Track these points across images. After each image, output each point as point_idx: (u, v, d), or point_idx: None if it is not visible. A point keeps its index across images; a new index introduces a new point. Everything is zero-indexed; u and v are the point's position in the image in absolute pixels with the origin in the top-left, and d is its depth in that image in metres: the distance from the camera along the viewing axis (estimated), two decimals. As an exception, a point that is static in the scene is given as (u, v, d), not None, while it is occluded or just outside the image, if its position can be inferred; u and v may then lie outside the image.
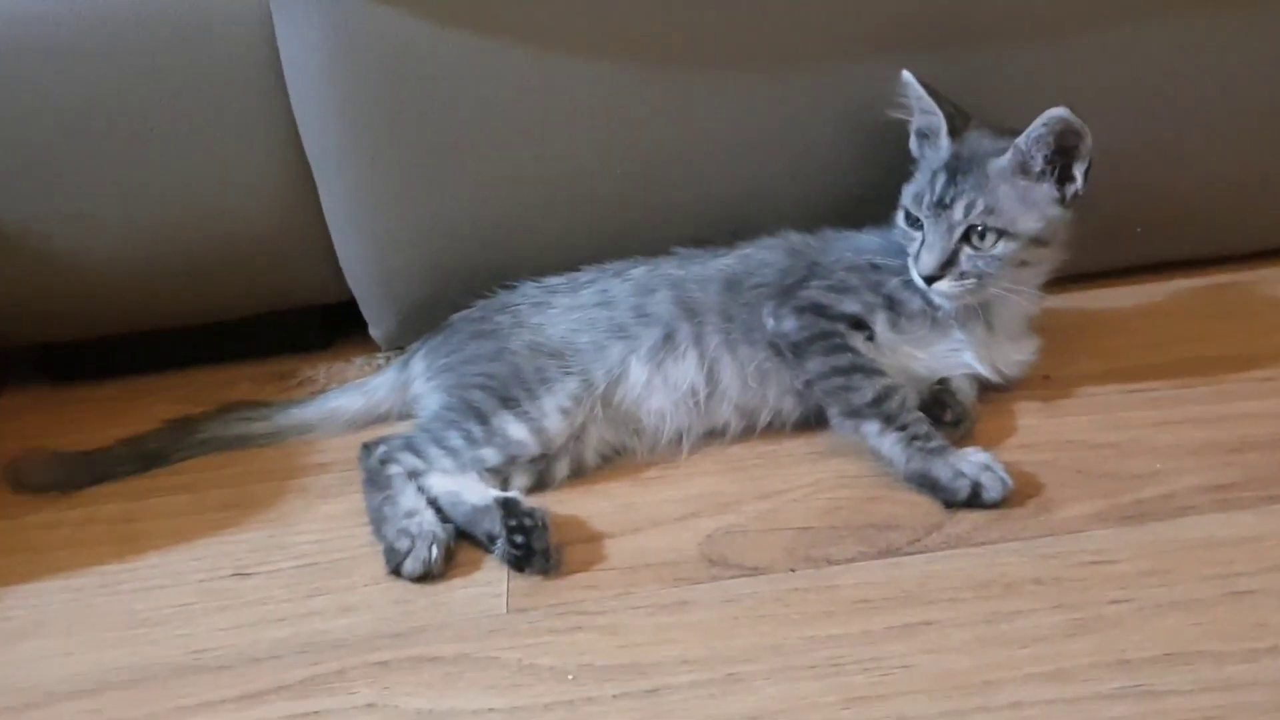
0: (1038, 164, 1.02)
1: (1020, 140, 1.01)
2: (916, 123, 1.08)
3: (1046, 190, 1.03)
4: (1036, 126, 1.00)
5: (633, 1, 1.07)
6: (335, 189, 1.14)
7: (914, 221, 1.05)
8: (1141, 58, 1.15)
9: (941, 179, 1.03)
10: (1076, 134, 1.00)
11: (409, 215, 1.15)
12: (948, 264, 1.02)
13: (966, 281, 1.02)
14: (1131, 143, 1.15)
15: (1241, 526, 0.92)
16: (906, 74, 1.05)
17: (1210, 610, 0.84)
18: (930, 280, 1.02)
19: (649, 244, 1.16)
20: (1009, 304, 1.07)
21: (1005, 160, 1.02)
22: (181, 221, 1.17)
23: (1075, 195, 1.03)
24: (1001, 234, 1.02)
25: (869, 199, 1.14)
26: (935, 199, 1.02)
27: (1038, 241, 1.03)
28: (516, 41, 1.07)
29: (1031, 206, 1.03)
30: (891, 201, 1.10)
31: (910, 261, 1.05)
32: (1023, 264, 1.04)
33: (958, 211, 1.02)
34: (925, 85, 1.05)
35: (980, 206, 1.01)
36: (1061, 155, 1.02)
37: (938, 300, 1.05)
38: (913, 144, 1.09)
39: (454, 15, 1.06)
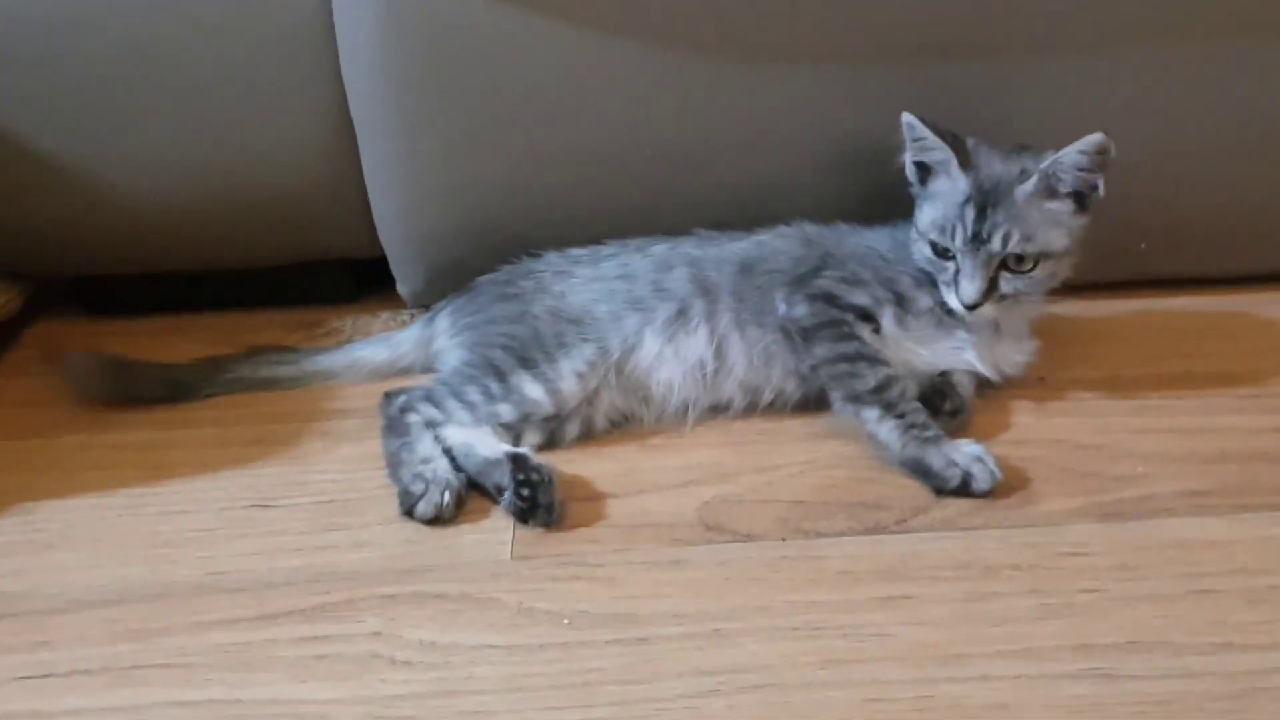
0: (1067, 185, 1.06)
1: (1048, 165, 1.04)
2: (914, 156, 1.10)
3: (1068, 205, 1.07)
4: (1071, 152, 1.03)
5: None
6: (376, 151, 1.19)
7: (943, 252, 1.08)
8: (1151, 78, 1.18)
9: (971, 213, 1.05)
10: (1106, 153, 1.04)
11: (445, 181, 1.20)
12: (989, 291, 1.06)
13: (1006, 302, 1.07)
14: (1139, 162, 1.18)
15: (1212, 531, 0.96)
16: (908, 116, 1.08)
17: (1175, 605, 0.89)
18: (972, 308, 1.07)
19: (672, 225, 1.21)
20: (1018, 307, 1.11)
21: (1031, 185, 1.05)
22: (226, 169, 1.22)
23: (1095, 202, 1.07)
24: (1040, 257, 1.06)
25: (884, 196, 1.19)
26: (970, 235, 1.05)
27: (1067, 253, 1.08)
28: (561, 21, 1.12)
29: (1058, 225, 1.07)
30: (903, 201, 1.15)
31: (946, 290, 1.08)
32: (1052, 275, 1.09)
33: (995, 243, 1.04)
34: (927, 124, 1.07)
35: (1017, 236, 1.04)
36: (1090, 173, 1.06)
37: (971, 319, 1.09)
38: (910, 174, 1.12)
39: (501, -9, 1.11)
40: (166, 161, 1.22)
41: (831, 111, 1.19)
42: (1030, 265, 1.06)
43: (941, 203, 1.08)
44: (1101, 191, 1.06)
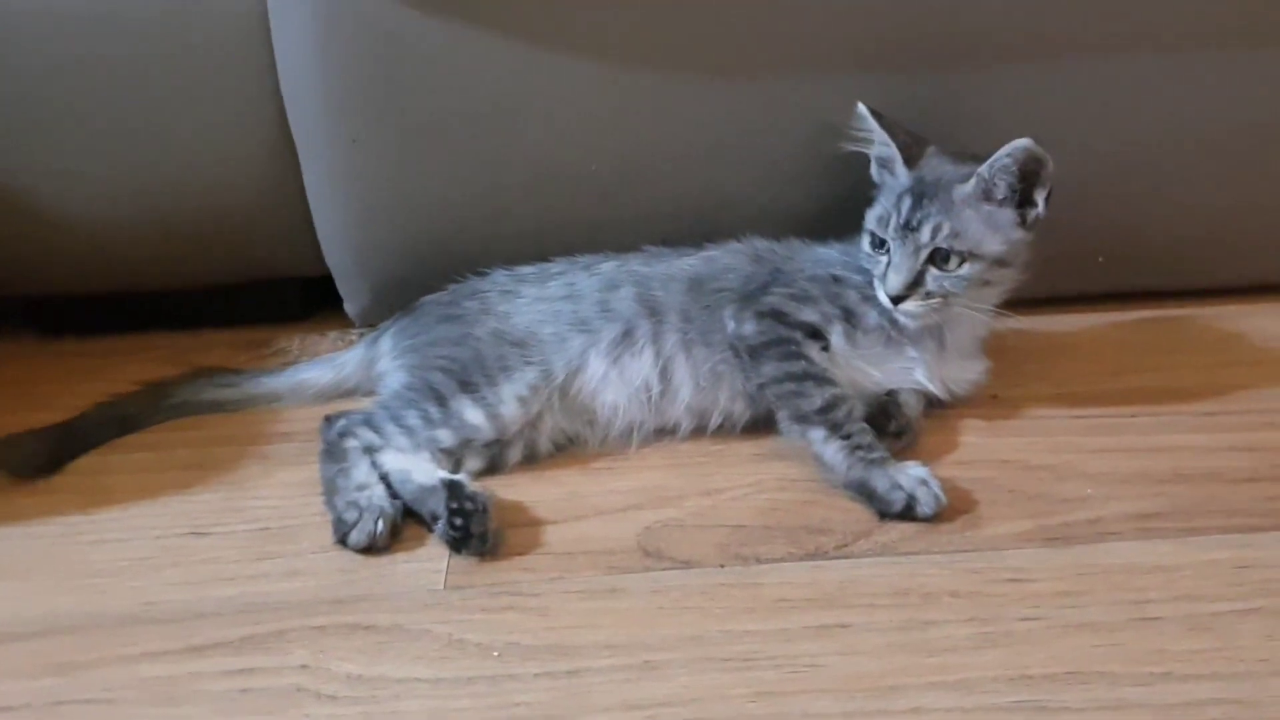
0: (1001, 190, 1.05)
1: (984, 168, 1.04)
2: (876, 151, 1.11)
3: (1009, 214, 1.06)
4: (1001, 156, 1.03)
5: (614, 3, 1.10)
6: (317, 167, 1.18)
7: (879, 244, 1.08)
8: (1108, 90, 1.17)
9: (907, 203, 1.05)
10: (1039, 162, 1.03)
11: (387, 197, 1.18)
12: (914, 284, 1.05)
13: (931, 301, 1.05)
14: (1095, 174, 1.18)
15: (1159, 555, 0.95)
16: (861, 106, 1.08)
17: (1116, 634, 0.87)
18: (897, 300, 1.05)
19: (620, 241, 1.20)
20: (963, 324, 1.11)
21: (970, 186, 1.05)
22: (167, 187, 1.21)
23: (1036, 219, 1.06)
24: (966, 256, 1.05)
25: (835, 210, 1.18)
26: (902, 222, 1.05)
27: (1000, 263, 1.06)
28: (500, 34, 1.11)
29: (995, 230, 1.06)
30: (856, 215, 1.13)
31: (877, 282, 1.08)
32: (985, 284, 1.07)
33: (924, 234, 1.04)
34: (878, 116, 1.08)
35: (946, 230, 1.04)
36: (1024, 181, 1.04)
37: (902, 320, 1.07)
38: (874, 170, 1.12)
39: (442, 5, 1.09)
40: (108, 182, 1.21)
41: (781, 124, 1.18)
42: (958, 263, 1.05)
43: (885, 196, 1.09)
44: (1041, 209, 1.05)
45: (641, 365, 1.11)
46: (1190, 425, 1.12)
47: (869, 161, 1.12)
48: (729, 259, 1.17)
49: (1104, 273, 1.27)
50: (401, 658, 0.88)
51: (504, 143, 1.15)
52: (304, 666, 0.88)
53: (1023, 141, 1.02)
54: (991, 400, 1.16)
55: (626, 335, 1.11)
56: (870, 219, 1.10)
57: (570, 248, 1.20)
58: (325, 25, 1.10)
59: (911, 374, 1.11)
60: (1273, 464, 1.06)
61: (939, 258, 1.05)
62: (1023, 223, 1.06)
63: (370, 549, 0.98)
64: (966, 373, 1.13)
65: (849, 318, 1.10)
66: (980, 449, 1.10)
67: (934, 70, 1.15)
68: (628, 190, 1.20)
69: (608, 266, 1.17)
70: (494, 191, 1.18)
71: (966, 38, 1.14)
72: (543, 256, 1.20)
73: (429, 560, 0.98)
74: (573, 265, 1.18)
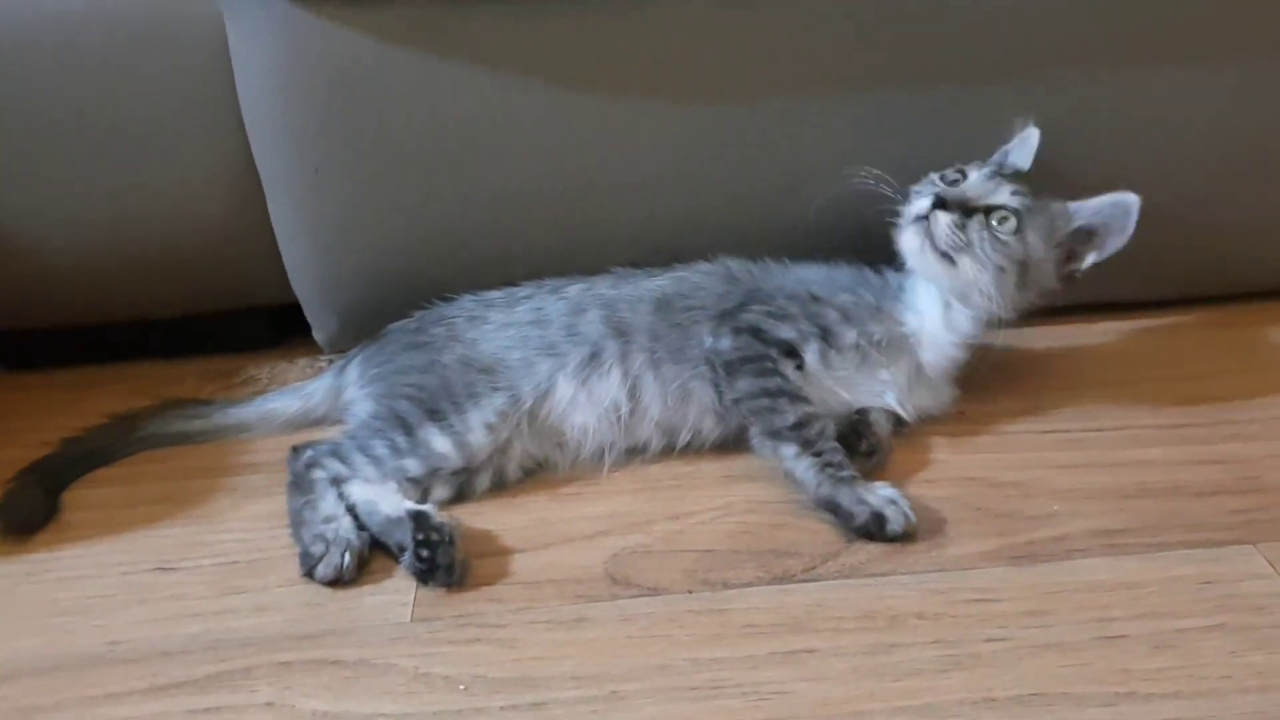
0: (1067, 230, 1.09)
1: (1080, 207, 1.09)
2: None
3: (1057, 253, 1.10)
4: (1104, 204, 1.08)
5: (575, 30, 1.10)
6: (282, 197, 1.18)
7: (954, 181, 1.10)
8: (1085, 97, 1.18)
9: (1010, 170, 1.11)
10: (1127, 226, 1.07)
11: (352, 226, 1.18)
12: (968, 210, 1.07)
13: (956, 236, 1.06)
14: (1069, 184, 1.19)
15: (1124, 572, 0.95)
16: (1034, 130, 1.14)
17: (1080, 653, 0.87)
18: (943, 205, 1.06)
19: (587, 264, 1.20)
20: (940, 350, 1.12)
21: (1057, 206, 1.09)
22: (133, 220, 1.21)
23: (1072, 275, 1.11)
24: (1017, 235, 1.07)
25: (797, 230, 1.18)
26: (997, 171, 1.09)
27: (1024, 269, 1.08)
28: (460, 64, 1.11)
29: (1044, 248, 1.09)
30: (821, 237, 1.14)
31: (915, 199, 1.09)
32: (1000, 271, 1.07)
33: (1006, 188, 1.08)
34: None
35: (1020, 203, 1.07)
36: (1093, 235, 1.09)
37: (912, 244, 1.08)
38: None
39: (400, 36, 1.09)
40: (73, 215, 1.20)
41: (746, 148, 1.18)
42: (1011, 229, 1.06)
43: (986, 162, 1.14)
44: (1082, 269, 1.11)
45: (609, 385, 1.11)
46: (1156, 439, 1.12)
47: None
48: (699, 278, 1.18)
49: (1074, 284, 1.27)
50: (368, 693, 0.87)
51: (467, 171, 1.15)
52: (269, 704, 0.87)
53: (1130, 196, 1.07)
54: (959, 416, 1.16)
55: (594, 357, 1.11)
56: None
57: (537, 272, 1.20)
58: (286, 57, 1.10)
59: (883, 397, 1.12)
60: (1237, 476, 1.06)
61: (996, 216, 1.07)
62: (1059, 273, 1.11)
63: (337, 582, 0.98)
64: (937, 399, 1.15)
65: (826, 336, 1.11)
66: (947, 466, 1.10)
67: (903, 91, 1.16)
68: (593, 215, 1.20)
69: (575, 290, 1.17)
70: (459, 219, 1.18)
71: (918, 60, 1.16)
72: (510, 281, 1.20)
73: (396, 593, 0.97)
74: (540, 289, 1.18)
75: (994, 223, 1.07)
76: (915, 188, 1.12)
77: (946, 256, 1.07)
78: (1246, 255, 1.31)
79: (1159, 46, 1.16)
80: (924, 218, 1.07)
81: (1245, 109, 1.20)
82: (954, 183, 1.10)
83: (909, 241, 1.09)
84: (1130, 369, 1.24)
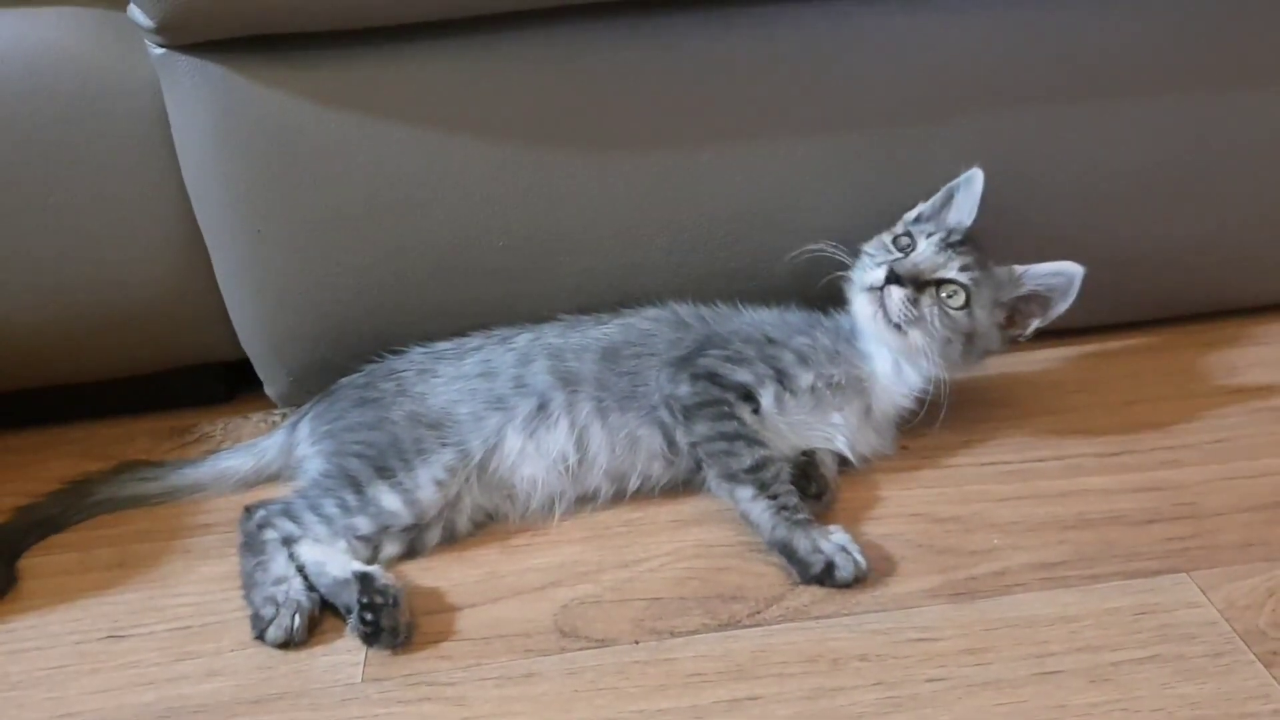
0: (1014, 295, 1.13)
1: (1024, 271, 1.12)
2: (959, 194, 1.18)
3: (1000, 317, 1.14)
4: (1050, 273, 1.12)
5: (512, 81, 1.12)
6: (226, 257, 1.19)
7: (904, 246, 1.13)
8: (1014, 136, 1.21)
9: (957, 235, 1.13)
10: (1070, 294, 1.11)
11: (297, 283, 1.19)
12: (920, 286, 1.09)
13: (909, 310, 1.09)
14: (1004, 217, 1.21)
15: (1061, 606, 0.97)
16: (978, 172, 1.16)
17: (1017, 690, 0.89)
18: (897, 280, 1.09)
19: (533, 313, 1.22)
20: (890, 399, 1.15)
21: (1003, 272, 1.13)
22: (79, 285, 1.21)
23: (1016, 339, 1.15)
24: (965, 310, 1.10)
25: (742, 274, 1.20)
26: (947, 240, 1.12)
27: (970, 339, 1.12)
28: (395, 119, 1.12)
29: (990, 314, 1.12)
30: (767, 280, 1.16)
31: (868, 269, 1.12)
32: (948, 342, 1.11)
33: (956, 263, 1.10)
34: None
35: (971, 277, 1.10)
36: (1039, 301, 1.13)
37: (866, 311, 1.11)
38: (914, 214, 1.19)
39: (335, 95, 1.10)
40: (15, 283, 1.20)
41: (684, 195, 1.20)
42: (958, 305, 1.09)
43: (932, 219, 1.18)
44: (1028, 335, 1.15)
45: (557, 437, 1.12)
46: (1096, 467, 1.15)
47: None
48: (648, 325, 1.19)
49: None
50: (318, 758, 0.88)
51: (408, 225, 1.17)
52: (221, 773, 0.88)
53: (1077, 267, 1.10)
54: (902, 450, 1.18)
55: (541, 408, 1.12)
56: (908, 218, 1.17)
57: (486, 322, 1.22)
58: (222, 120, 1.10)
59: (833, 441, 1.14)
60: (1173, 503, 1.09)
61: (945, 289, 1.10)
62: (1003, 335, 1.15)
63: (288, 644, 0.98)
64: (881, 444, 1.17)
65: (782, 379, 1.13)
66: (889, 502, 1.12)
67: (849, 134, 1.19)
68: (537, 262, 1.21)
69: (522, 340, 1.19)
70: (403, 273, 1.19)
71: (855, 103, 1.18)
72: (459, 332, 1.21)
73: (347, 653, 0.98)
74: (489, 339, 1.20)
75: (944, 296, 1.10)
76: (867, 249, 1.15)
77: (898, 327, 1.10)
78: (1176, 281, 1.34)
79: (1084, 86, 1.19)
80: (878, 289, 1.10)
81: (1169, 142, 1.23)
82: (905, 247, 1.13)
83: (863, 308, 1.12)
84: (1068, 396, 1.27)
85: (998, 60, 1.17)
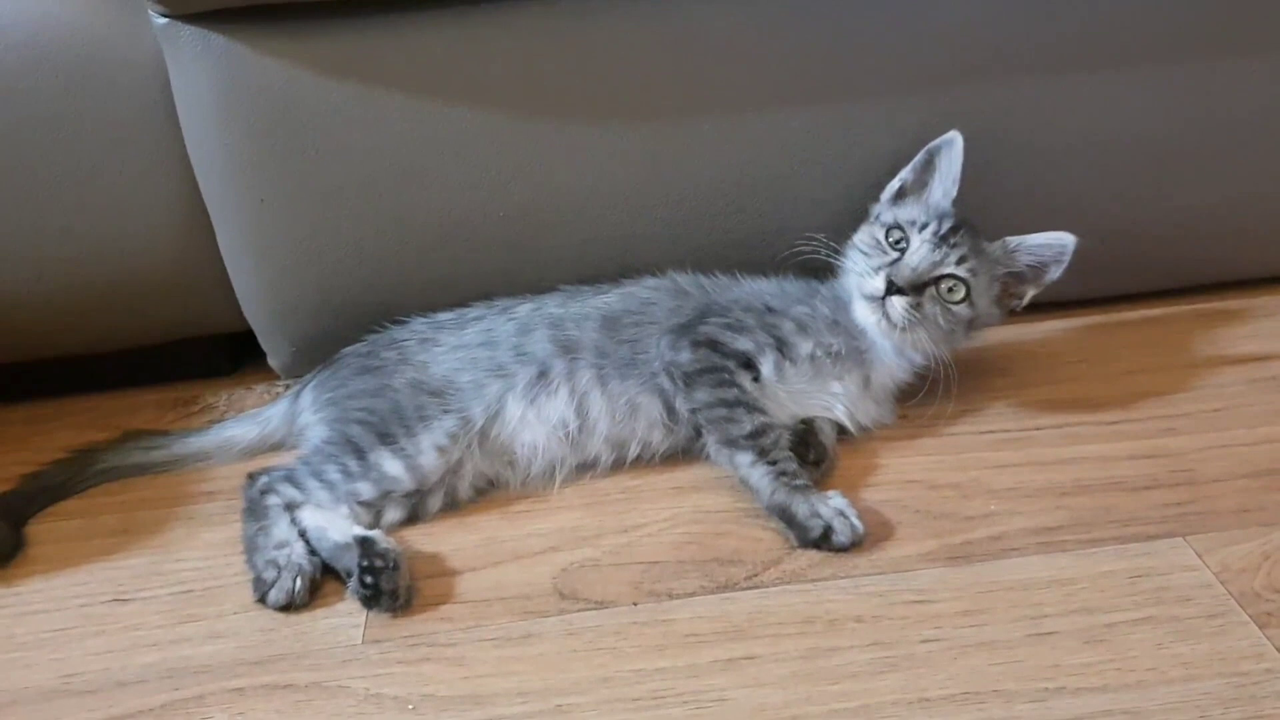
0: (1009, 270, 1.13)
1: (1018, 244, 1.12)
2: (939, 166, 1.16)
3: (997, 290, 1.14)
4: (1042, 244, 1.12)
5: (513, 51, 1.12)
6: (229, 228, 1.19)
7: (897, 242, 1.12)
8: (1010, 106, 1.21)
9: (948, 223, 1.11)
10: (1063, 261, 1.12)
11: (300, 254, 1.20)
12: (919, 289, 1.09)
13: (912, 315, 1.09)
14: (1004, 187, 1.22)
15: (1057, 569, 0.97)
16: (957, 135, 1.14)
17: (1012, 651, 0.89)
18: (898, 290, 1.08)
19: (534, 283, 1.22)
20: (889, 372, 1.16)
21: (996, 248, 1.13)
22: (84, 258, 1.22)
23: (1012, 310, 1.15)
24: (966, 301, 1.10)
25: (740, 245, 1.21)
26: (939, 235, 1.10)
27: (970, 324, 1.13)
28: (399, 90, 1.13)
29: (989, 295, 1.13)
30: (764, 250, 1.17)
31: (863, 277, 1.11)
32: (951, 333, 1.12)
33: (953, 257, 1.09)
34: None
35: (969, 268, 1.10)
36: (1032, 271, 1.13)
37: (869, 319, 1.11)
38: (908, 173, 1.17)
39: (338, 65, 1.11)
40: (21, 255, 1.21)
41: (683, 164, 1.20)
42: (959, 298, 1.10)
43: (917, 205, 1.16)
44: (1023, 304, 1.15)
45: (557, 404, 1.13)
46: (1094, 435, 1.15)
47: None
48: (648, 294, 1.20)
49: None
50: (319, 715, 0.89)
51: (410, 197, 1.17)
52: (223, 730, 0.89)
53: (1070, 238, 1.10)
54: (900, 419, 1.18)
55: (541, 376, 1.13)
56: (895, 214, 1.14)
57: (488, 292, 1.22)
58: (226, 91, 1.11)
59: (832, 410, 1.15)
60: (1171, 470, 1.09)
61: (944, 285, 1.10)
62: (1000, 307, 1.15)
63: (289, 607, 0.99)
64: (880, 414, 1.18)
65: (781, 348, 1.13)
66: (888, 469, 1.12)
67: (843, 101, 1.19)
68: (537, 232, 1.22)
69: (524, 309, 1.19)
70: (405, 243, 1.20)
71: (846, 74, 1.18)
72: (460, 302, 1.22)
73: (348, 615, 0.99)
74: (490, 309, 1.21)
75: (945, 291, 1.10)
76: (859, 243, 1.15)
77: (902, 330, 1.10)
78: (1176, 253, 1.33)
79: (1080, 55, 1.19)
80: (879, 299, 1.10)
81: (1169, 112, 1.23)
82: (898, 244, 1.12)
83: (864, 315, 1.12)
84: (1067, 366, 1.27)
85: (999, 27, 1.17)
